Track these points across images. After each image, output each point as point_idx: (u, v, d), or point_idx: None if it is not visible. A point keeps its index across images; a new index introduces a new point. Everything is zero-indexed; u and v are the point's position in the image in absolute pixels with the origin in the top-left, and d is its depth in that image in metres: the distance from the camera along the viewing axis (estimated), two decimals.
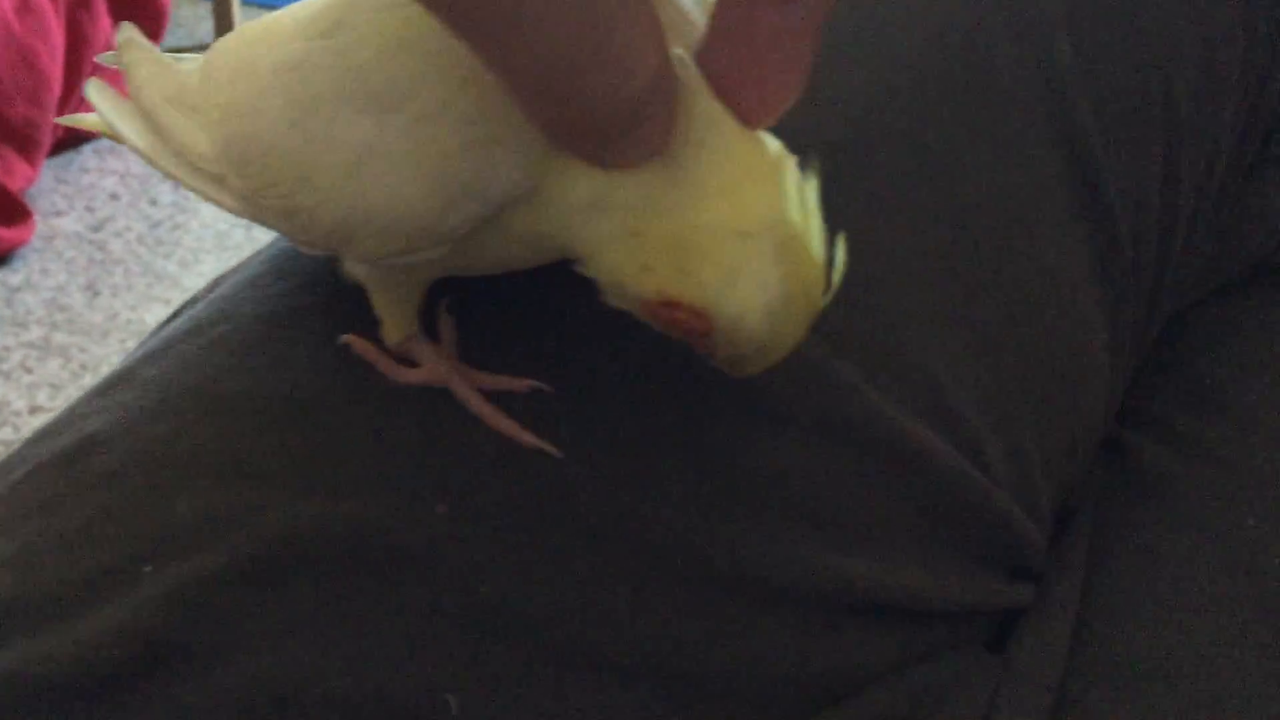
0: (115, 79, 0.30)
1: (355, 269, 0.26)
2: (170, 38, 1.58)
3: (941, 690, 0.28)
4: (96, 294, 1.28)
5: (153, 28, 1.48)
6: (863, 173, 0.30)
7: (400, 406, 0.26)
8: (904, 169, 0.30)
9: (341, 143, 0.22)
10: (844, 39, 0.31)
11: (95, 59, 0.31)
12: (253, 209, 0.25)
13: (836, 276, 0.21)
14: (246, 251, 1.35)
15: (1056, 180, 0.32)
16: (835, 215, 0.22)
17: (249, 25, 0.26)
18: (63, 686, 0.23)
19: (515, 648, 0.24)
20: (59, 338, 1.22)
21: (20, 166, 1.35)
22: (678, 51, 0.20)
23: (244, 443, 0.25)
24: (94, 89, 0.29)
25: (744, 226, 0.20)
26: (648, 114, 0.18)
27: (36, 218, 1.37)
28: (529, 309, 0.27)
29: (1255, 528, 0.32)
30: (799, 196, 0.20)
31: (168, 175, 0.27)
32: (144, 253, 1.34)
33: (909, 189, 0.30)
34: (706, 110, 0.20)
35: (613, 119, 0.18)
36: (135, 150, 0.28)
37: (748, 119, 0.20)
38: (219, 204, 0.26)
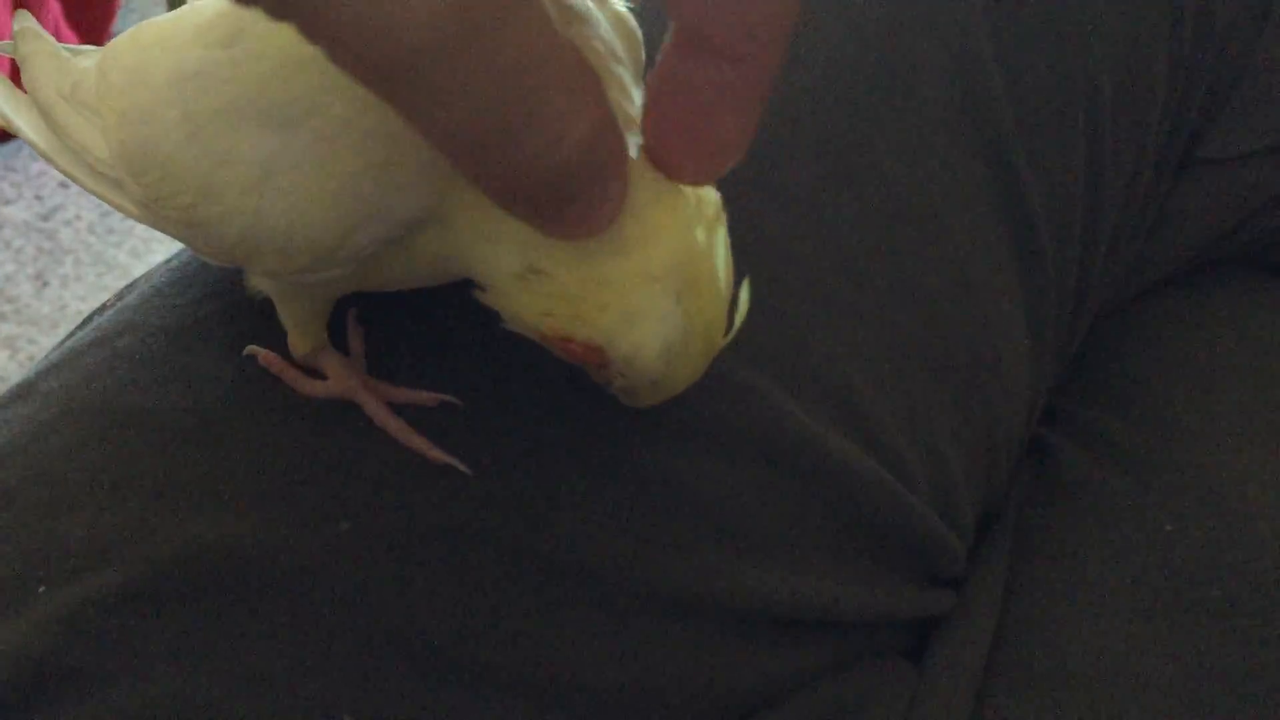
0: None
1: (261, 282, 0.25)
2: (124, 22, 1.54)
3: (858, 702, 0.28)
4: (45, 284, 1.26)
5: (103, 13, 1.45)
6: (776, 176, 0.29)
7: (305, 421, 0.25)
8: (819, 173, 0.30)
9: (241, 158, 0.21)
10: None
11: None
12: (153, 217, 0.25)
13: (738, 318, 0.21)
14: None
15: (975, 183, 0.32)
16: (746, 219, 0.22)
17: (145, 25, 0.25)
18: None
19: (418, 668, 0.24)
20: (6, 329, 1.19)
21: None
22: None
23: (141, 460, 0.24)
24: None
25: (653, 271, 0.19)
26: (588, 180, 0.17)
27: None
28: (439, 321, 0.27)
29: (1171, 533, 0.32)
30: (711, 236, 0.20)
31: (67, 176, 0.27)
32: (94, 242, 1.32)
33: (823, 193, 0.30)
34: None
35: (549, 183, 0.17)
36: (33, 147, 0.27)
37: (682, 179, 0.19)
38: (120, 210, 0.26)
